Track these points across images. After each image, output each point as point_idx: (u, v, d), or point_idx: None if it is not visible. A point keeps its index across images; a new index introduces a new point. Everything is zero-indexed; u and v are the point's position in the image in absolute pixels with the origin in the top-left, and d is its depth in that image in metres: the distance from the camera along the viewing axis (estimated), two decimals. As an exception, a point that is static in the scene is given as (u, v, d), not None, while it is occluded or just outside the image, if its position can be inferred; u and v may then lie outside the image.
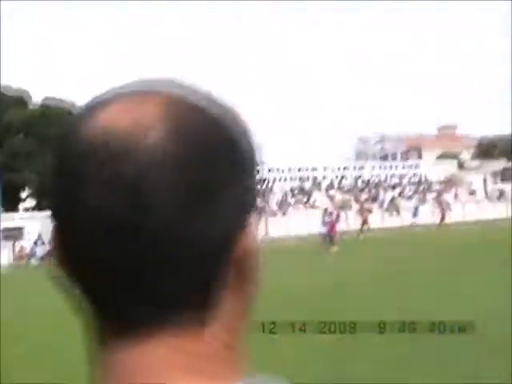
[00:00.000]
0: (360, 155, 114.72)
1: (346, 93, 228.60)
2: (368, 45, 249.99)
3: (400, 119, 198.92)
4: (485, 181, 77.52)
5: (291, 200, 67.21)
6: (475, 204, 68.38)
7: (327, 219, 37.15)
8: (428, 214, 62.03)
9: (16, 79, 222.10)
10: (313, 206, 65.25)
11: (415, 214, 60.09)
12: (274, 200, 65.95)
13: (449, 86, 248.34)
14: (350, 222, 59.58)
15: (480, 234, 38.57)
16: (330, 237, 33.52)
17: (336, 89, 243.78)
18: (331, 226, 34.83)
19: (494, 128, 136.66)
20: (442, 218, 56.38)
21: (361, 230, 47.06)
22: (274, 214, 62.03)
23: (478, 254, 23.78)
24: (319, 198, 67.92)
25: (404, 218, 60.64)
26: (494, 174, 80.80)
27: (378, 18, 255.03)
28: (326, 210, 42.52)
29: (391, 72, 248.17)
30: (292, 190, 69.24)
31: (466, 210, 64.96)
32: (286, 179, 71.22)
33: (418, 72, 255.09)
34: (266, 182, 69.27)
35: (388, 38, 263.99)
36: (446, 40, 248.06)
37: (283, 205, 65.16)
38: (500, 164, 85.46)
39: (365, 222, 49.29)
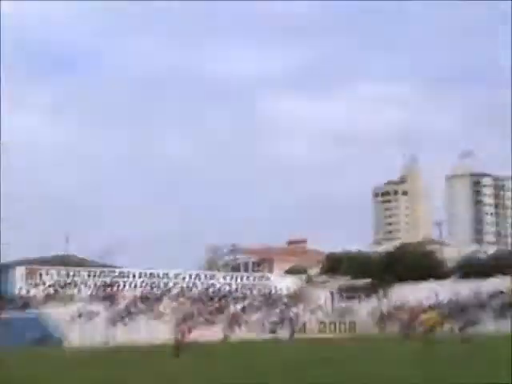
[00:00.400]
0: (211, 265, 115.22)
1: (196, 201, 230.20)
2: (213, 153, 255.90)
3: (251, 231, 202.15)
4: (332, 296, 79.66)
5: (140, 306, 66.06)
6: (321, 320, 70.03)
7: (178, 328, 36.88)
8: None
9: None
10: (160, 315, 64.30)
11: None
12: (123, 304, 64.67)
13: (299, 200, 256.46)
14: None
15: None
16: (180, 345, 33.08)
17: (186, 196, 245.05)
18: (182, 334, 34.52)
19: (343, 244, 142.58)
20: (292, 332, 57.11)
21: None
22: (121, 319, 60.85)
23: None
24: (165, 306, 67.10)
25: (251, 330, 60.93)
26: (340, 290, 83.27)
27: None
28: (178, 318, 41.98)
29: (243, 182, 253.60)
30: (142, 296, 68.19)
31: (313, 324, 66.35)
32: (136, 285, 70.20)
33: (270, 183, 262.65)
34: (116, 286, 68.10)
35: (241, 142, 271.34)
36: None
37: (131, 310, 63.91)
38: (343, 280, 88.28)
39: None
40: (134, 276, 71.04)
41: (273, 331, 36.31)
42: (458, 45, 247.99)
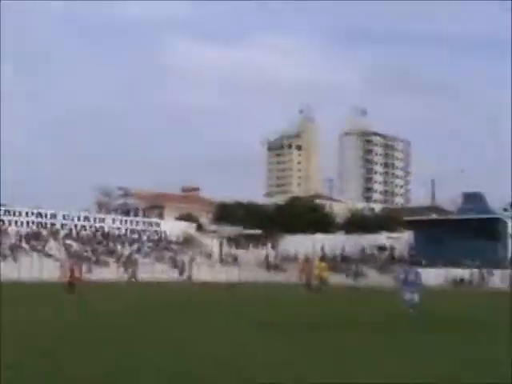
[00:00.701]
0: (101, 208, 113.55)
1: (89, 143, 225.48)
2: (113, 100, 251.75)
3: (141, 176, 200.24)
4: (221, 245, 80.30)
5: (25, 245, 64.53)
6: (210, 267, 70.56)
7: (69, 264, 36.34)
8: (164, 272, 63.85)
9: None
10: (47, 254, 63.19)
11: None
12: (7, 243, 62.95)
13: (196, 148, 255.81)
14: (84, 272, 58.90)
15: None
16: (69, 284, 32.51)
17: (78, 139, 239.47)
18: (72, 271, 33.86)
19: (236, 194, 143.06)
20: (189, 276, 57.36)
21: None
22: (5, 258, 59.29)
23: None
24: (55, 246, 66.02)
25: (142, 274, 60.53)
26: (230, 240, 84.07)
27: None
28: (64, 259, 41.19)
29: (147, 126, 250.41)
30: (27, 236, 66.55)
31: (201, 271, 66.84)
32: (22, 223, 68.44)
33: (169, 131, 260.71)
34: (1, 223, 66.18)
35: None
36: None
37: (16, 250, 62.28)
38: (234, 230, 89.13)
39: None
40: (20, 214, 69.15)
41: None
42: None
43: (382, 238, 76.48)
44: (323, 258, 55.28)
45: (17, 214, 68.93)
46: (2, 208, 69.28)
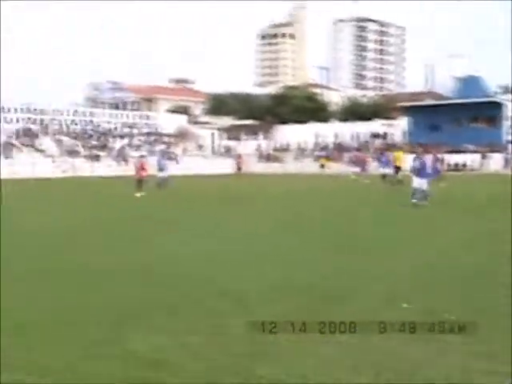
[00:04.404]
0: (90, 102, 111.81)
1: (79, 37, 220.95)
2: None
3: (133, 69, 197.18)
4: (213, 136, 79.34)
5: (16, 142, 63.41)
6: (203, 158, 69.69)
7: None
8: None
9: None
10: (39, 150, 62.29)
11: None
12: (2, 139, 61.88)
13: (188, 40, 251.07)
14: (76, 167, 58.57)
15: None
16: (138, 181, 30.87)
17: (68, 32, 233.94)
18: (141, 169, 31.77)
19: (225, 85, 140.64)
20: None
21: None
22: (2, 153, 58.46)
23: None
24: (46, 141, 64.99)
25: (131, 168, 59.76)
26: (222, 131, 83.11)
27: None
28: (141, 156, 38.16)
29: (135, 21, 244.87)
30: (18, 132, 65.35)
31: (194, 163, 66.02)
32: (12, 120, 67.11)
33: (159, 25, 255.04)
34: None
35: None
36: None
37: (7, 147, 61.23)
38: (228, 121, 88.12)
39: None
40: (9, 110, 67.69)
41: (161, 169, 34.65)
42: None
43: (377, 125, 75.46)
44: (401, 148, 51.89)
45: (6, 110, 67.45)
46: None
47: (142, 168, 31.57)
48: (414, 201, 21.42)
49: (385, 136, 73.62)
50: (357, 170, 50.68)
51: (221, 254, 11.50)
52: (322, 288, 8.42)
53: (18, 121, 67.51)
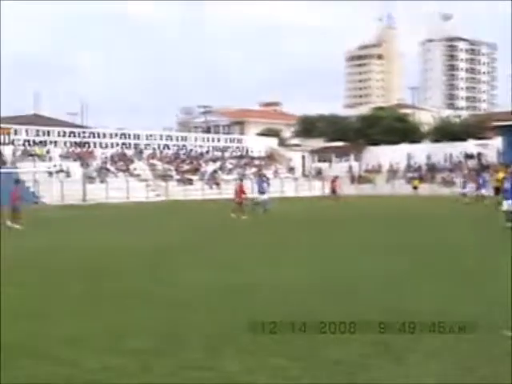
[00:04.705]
0: (183, 126, 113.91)
1: (170, 63, 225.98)
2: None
3: (224, 93, 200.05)
4: (303, 158, 79.42)
5: (111, 167, 65.17)
6: (294, 181, 69.94)
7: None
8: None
9: None
10: (133, 174, 63.85)
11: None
12: (96, 164, 63.79)
13: (274, 64, 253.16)
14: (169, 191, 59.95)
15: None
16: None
17: (161, 59, 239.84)
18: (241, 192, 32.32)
19: (316, 108, 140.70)
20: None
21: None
22: (97, 178, 60.27)
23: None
24: (140, 166, 66.58)
25: (223, 191, 60.57)
26: (312, 153, 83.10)
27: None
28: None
29: (219, 43, 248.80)
30: (113, 157, 67.18)
31: (285, 186, 66.34)
32: (107, 145, 69.06)
33: (248, 49, 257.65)
34: (87, 146, 66.89)
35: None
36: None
37: (102, 171, 62.99)
38: (318, 143, 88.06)
39: None
40: (104, 136, 69.71)
41: (262, 192, 34.92)
42: None
43: (470, 145, 73.92)
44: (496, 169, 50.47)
45: (101, 135, 69.48)
46: (87, 130, 70.07)
47: (242, 191, 31.91)
48: (509, 224, 20.79)
49: (479, 156, 72.00)
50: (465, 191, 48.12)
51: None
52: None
53: (112, 146, 69.40)
